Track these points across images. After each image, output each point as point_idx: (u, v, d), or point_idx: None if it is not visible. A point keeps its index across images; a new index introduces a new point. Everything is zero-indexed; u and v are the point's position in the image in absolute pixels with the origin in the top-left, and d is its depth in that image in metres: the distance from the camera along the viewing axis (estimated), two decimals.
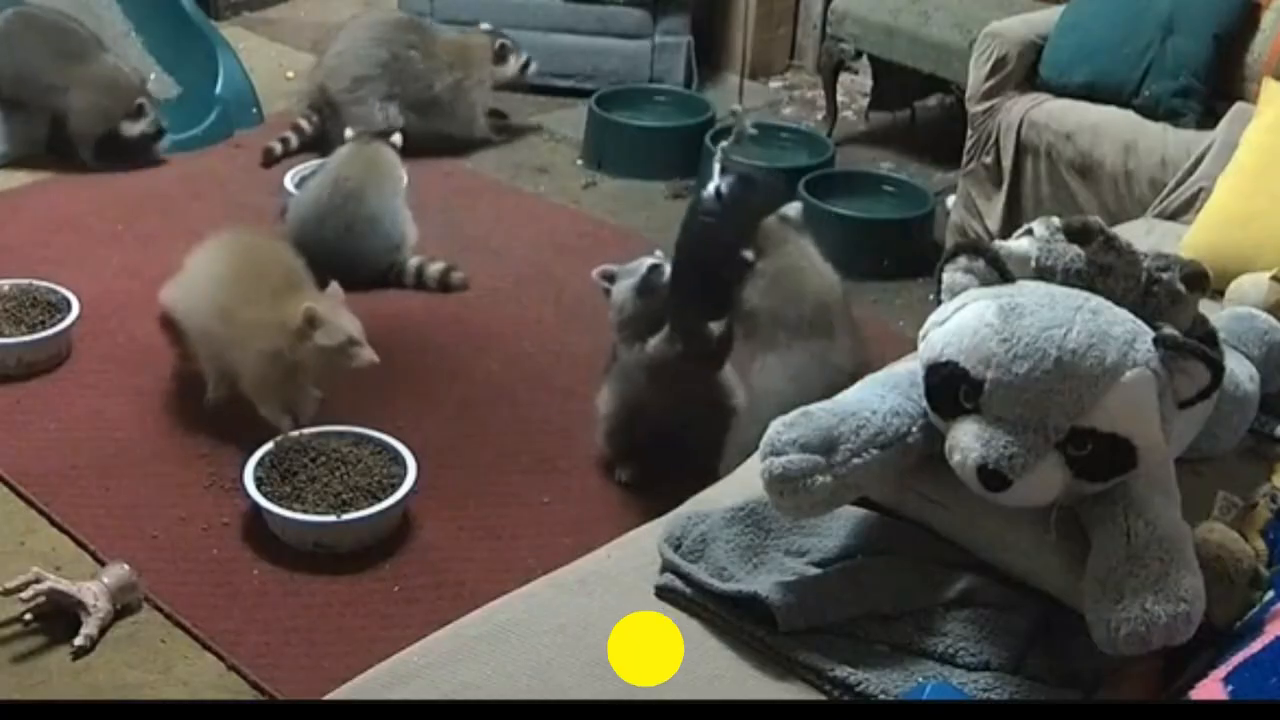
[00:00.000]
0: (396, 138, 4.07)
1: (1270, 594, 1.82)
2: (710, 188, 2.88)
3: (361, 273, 3.72)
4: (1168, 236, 3.06)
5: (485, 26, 4.86)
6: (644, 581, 1.93)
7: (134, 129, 4.41)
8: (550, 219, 4.34)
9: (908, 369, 1.94)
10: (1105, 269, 1.95)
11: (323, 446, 2.97)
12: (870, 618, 1.84)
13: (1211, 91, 3.65)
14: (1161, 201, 3.38)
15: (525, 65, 4.83)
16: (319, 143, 4.55)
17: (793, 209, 2.95)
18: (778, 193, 3.09)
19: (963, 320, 1.81)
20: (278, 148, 4.54)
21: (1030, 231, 2.01)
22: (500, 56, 4.77)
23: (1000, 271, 1.88)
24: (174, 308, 3.30)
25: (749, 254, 2.82)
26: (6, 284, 3.51)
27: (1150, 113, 3.67)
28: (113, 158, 4.41)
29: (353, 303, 3.70)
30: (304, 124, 4.62)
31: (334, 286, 3.10)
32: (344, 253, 3.74)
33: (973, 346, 1.78)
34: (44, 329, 3.38)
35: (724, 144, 3.21)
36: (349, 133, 4.05)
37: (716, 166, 3.04)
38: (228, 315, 3.07)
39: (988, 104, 3.88)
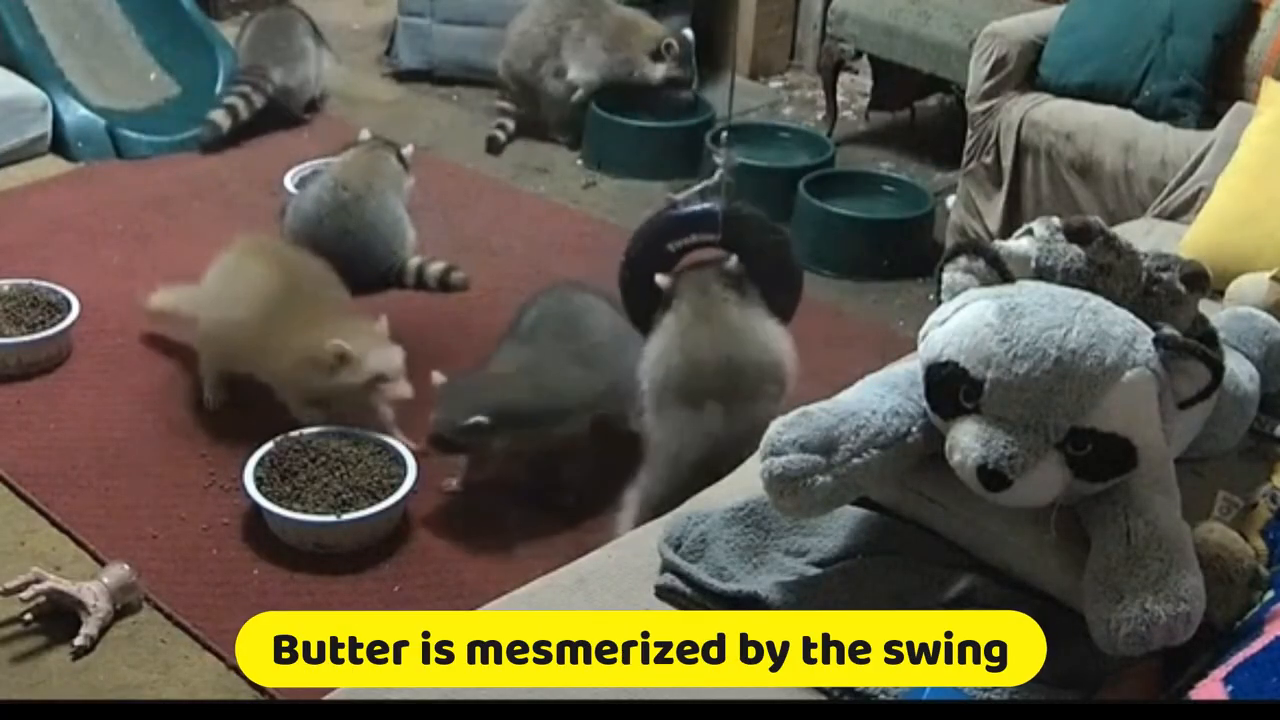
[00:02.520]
0: (409, 149, 4.03)
1: (1270, 594, 1.82)
2: (682, 197, 2.94)
3: (360, 276, 3.72)
4: (1168, 236, 3.06)
5: (688, 33, 4.84)
6: (644, 581, 1.93)
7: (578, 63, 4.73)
8: (550, 219, 4.34)
9: (908, 369, 1.94)
10: (1105, 269, 1.95)
11: (323, 446, 2.97)
12: None
13: (1211, 91, 3.65)
14: (1161, 201, 3.38)
15: (673, 82, 4.78)
16: (526, 122, 4.85)
17: (729, 262, 2.92)
18: (740, 231, 3.07)
19: (963, 320, 1.81)
20: (500, 136, 4.80)
21: (1030, 231, 2.01)
22: (657, 55, 4.72)
23: (1000, 271, 1.88)
24: (183, 311, 3.29)
25: (661, 280, 2.86)
26: (6, 284, 3.51)
27: (1150, 113, 3.67)
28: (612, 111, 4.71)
29: (353, 304, 3.73)
30: (509, 107, 4.88)
31: (382, 321, 3.14)
32: (341, 257, 3.74)
33: (973, 346, 1.78)
34: (44, 329, 3.38)
35: (707, 182, 3.20)
36: (364, 134, 4.04)
37: (692, 191, 3.06)
38: (260, 336, 3.07)
39: (988, 104, 3.88)
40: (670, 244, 3.09)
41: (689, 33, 4.82)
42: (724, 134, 4.14)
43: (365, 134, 4.04)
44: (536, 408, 2.88)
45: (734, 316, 2.84)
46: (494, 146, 4.78)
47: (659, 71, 4.72)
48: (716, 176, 3.10)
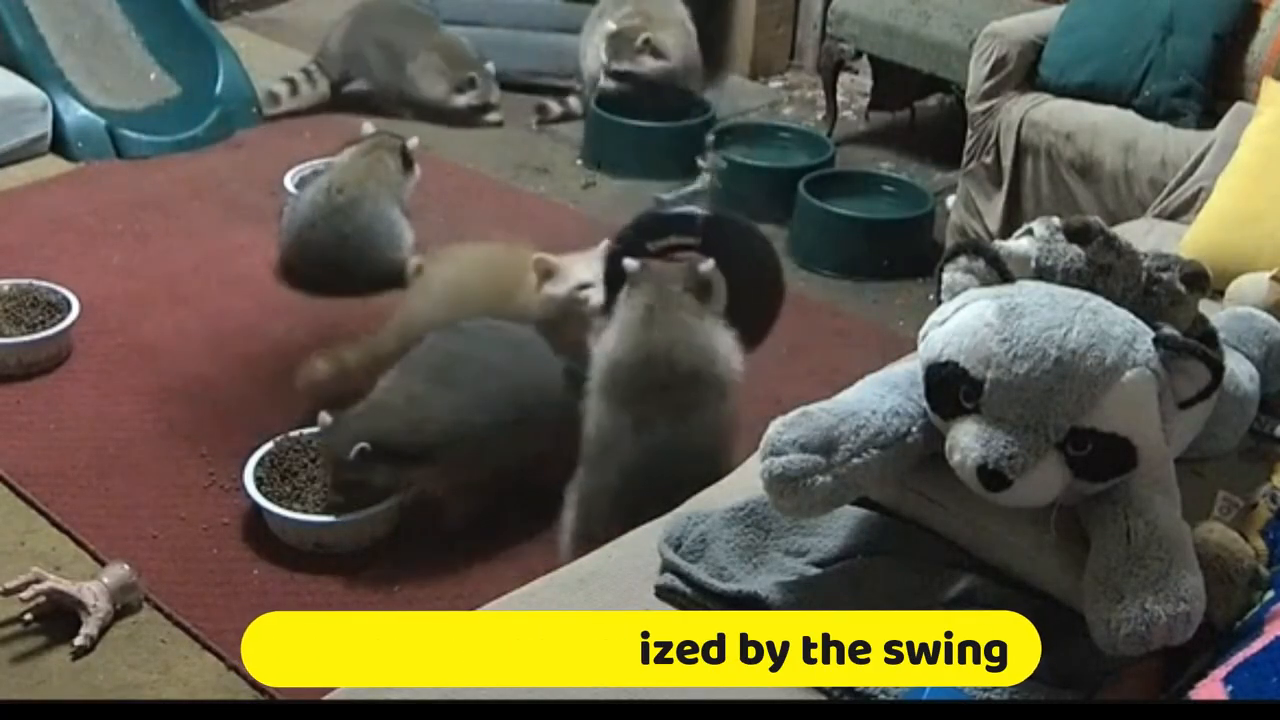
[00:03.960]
0: (414, 141, 4.02)
1: (1270, 594, 1.82)
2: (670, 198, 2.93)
3: (358, 279, 3.75)
4: (1168, 236, 3.06)
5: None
6: (644, 581, 1.93)
7: (462, 99, 4.82)
8: (550, 219, 4.34)
9: (908, 369, 1.94)
10: (1105, 269, 1.95)
11: None
12: None
13: (1211, 91, 3.65)
14: (1161, 201, 3.38)
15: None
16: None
17: (703, 265, 2.82)
18: (721, 236, 3.04)
19: (963, 320, 1.81)
20: (553, 108, 4.99)
21: (1030, 231, 2.01)
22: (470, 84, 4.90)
23: (1000, 271, 1.88)
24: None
25: (630, 263, 2.81)
26: (6, 284, 3.51)
27: (1150, 113, 3.67)
28: (438, 121, 4.81)
29: (353, 303, 3.74)
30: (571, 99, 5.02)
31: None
32: (339, 260, 3.76)
33: (973, 346, 1.78)
34: (44, 329, 3.38)
35: (696, 185, 3.17)
36: (367, 127, 4.03)
37: (678, 194, 3.04)
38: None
39: (988, 104, 3.88)
40: (650, 243, 3.08)
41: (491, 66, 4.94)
42: (709, 138, 4.15)
43: (369, 127, 4.03)
44: (413, 439, 2.76)
45: (685, 320, 2.71)
46: (543, 117, 4.95)
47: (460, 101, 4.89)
48: (701, 181, 3.09)
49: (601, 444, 2.66)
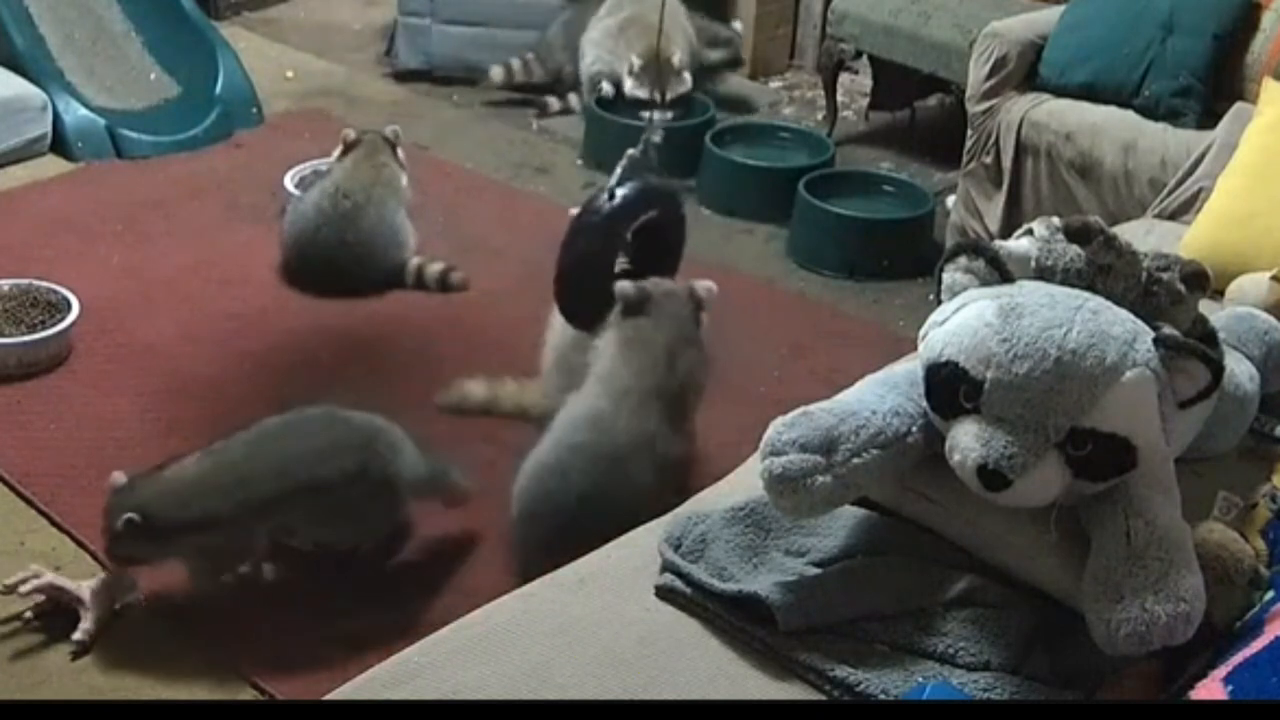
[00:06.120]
0: (391, 129, 4.01)
1: (1270, 594, 1.82)
2: (605, 191, 2.93)
3: (360, 282, 3.75)
4: (1168, 236, 3.06)
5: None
6: (644, 581, 1.93)
7: (638, 90, 4.75)
8: (550, 219, 4.32)
9: (908, 369, 1.94)
10: (1105, 269, 1.95)
11: None
12: (870, 618, 1.84)
13: (1211, 91, 3.65)
14: (1161, 201, 3.38)
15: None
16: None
17: (701, 287, 2.91)
18: (671, 208, 3.06)
19: (963, 320, 1.81)
20: (552, 104, 5.04)
21: (1030, 231, 2.01)
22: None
23: (1000, 271, 1.88)
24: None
25: (630, 292, 2.84)
26: (6, 284, 3.51)
27: (1150, 113, 3.67)
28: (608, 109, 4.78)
29: (352, 303, 3.74)
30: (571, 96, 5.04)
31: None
32: (341, 263, 3.76)
33: (973, 346, 1.78)
34: (44, 329, 3.37)
35: (631, 151, 3.14)
36: (349, 133, 4.02)
37: (618, 171, 3.03)
38: None
39: (988, 104, 3.88)
40: (628, 227, 3.06)
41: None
42: (646, 114, 4.17)
43: (350, 134, 3.99)
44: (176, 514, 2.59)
45: (698, 348, 2.86)
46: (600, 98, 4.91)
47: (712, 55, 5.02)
48: (636, 149, 3.08)
49: (579, 437, 2.70)
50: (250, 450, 2.67)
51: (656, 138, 3.23)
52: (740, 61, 5.17)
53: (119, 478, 2.62)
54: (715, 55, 5.01)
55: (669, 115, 4.65)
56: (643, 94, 4.65)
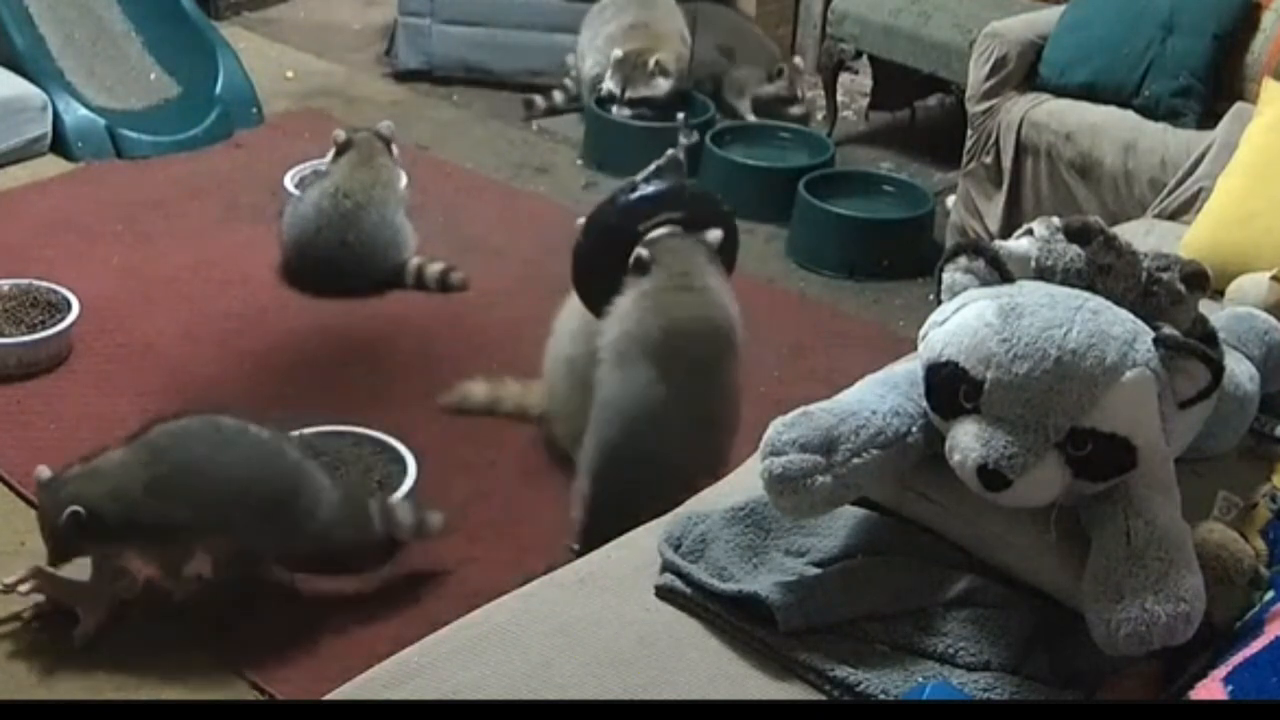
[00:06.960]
0: (384, 124, 4.01)
1: (1270, 594, 1.82)
2: (641, 178, 2.95)
3: (360, 282, 3.75)
4: (1168, 236, 3.06)
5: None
6: (644, 581, 1.93)
7: (772, 89, 5.00)
8: (550, 219, 4.33)
9: (908, 369, 1.94)
10: (1105, 269, 1.95)
11: (323, 446, 2.96)
12: (870, 618, 1.84)
13: (1211, 91, 3.65)
14: (1161, 201, 3.38)
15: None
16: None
17: (711, 235, 2.91)
18: (701, 208, 3.04)
19: (963, 320, 1.81)
20: (539, 103, 5.05)
21: (1030, 231, 2.01)
22: (779, 74, 5.04)
23: (1000, 271, 1.88)
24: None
25: (644, 253, 2.82)
26: (6, 284, 3.51)
27: (1150, 113, 3.67)
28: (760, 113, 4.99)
29: (352, 303, 3.74)
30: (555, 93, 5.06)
31: None
32: (341, 263, 3.76)
33: (973, 346, 1.78)
34: (44, 329, 3.37)
35: (671, 150, 3.14)
36: (339, 134, 4.00)
37: (653, 166, 3.03)
38: None
39: (988, 104, 3.88)
40: (640, 225, 3.06)
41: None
42: (680, 116, 4.23)
43: (340, 134, 3.98)
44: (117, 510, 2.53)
45: (716, 285, 2.85)
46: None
47: (769, 89, 5.04)
48: (665, 156, 3.09)
49: (620, 404, 2.71)
50: (177, 441, 2.62)
51: (686, 140, 3.25)
52: (798, 98, 5.09)
53: (44, 471, 2.56)
54: (770, 89, 5.04)
55: (626, 112, 4.71)
56: (614, 87, 4.71)
